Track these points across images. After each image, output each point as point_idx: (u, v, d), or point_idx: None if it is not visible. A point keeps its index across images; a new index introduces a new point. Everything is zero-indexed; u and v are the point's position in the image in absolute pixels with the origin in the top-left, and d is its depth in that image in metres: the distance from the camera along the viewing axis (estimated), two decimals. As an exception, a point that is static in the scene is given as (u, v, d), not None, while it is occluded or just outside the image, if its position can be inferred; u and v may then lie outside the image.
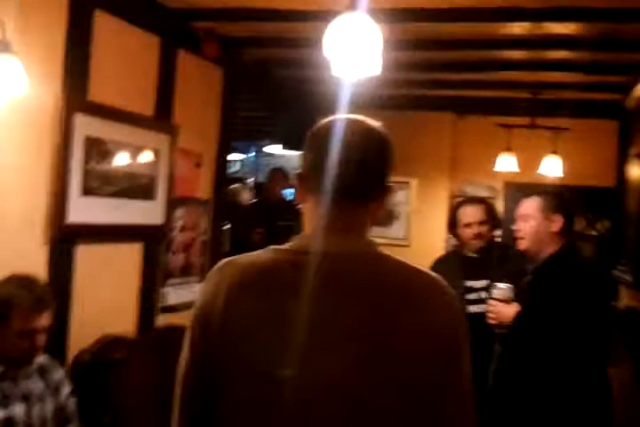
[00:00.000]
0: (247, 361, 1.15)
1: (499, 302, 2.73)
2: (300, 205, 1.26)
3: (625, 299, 4.29)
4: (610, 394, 2.61)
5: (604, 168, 4.88)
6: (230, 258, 1.25)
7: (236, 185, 7.17)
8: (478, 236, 3.24)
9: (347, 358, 1.11)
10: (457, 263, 3.29)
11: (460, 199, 3.51)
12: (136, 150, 3.10)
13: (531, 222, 2.69)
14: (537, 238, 2.69)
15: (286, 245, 1.21)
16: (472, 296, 3.11)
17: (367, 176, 1.19)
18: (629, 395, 3.71)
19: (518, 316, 2.65)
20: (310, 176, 1.21)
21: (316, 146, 1.21)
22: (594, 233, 5.31)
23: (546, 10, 2.97)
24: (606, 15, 2.98)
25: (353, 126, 1.21)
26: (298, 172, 1.26)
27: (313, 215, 1.21)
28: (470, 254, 3.27)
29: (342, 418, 1.11)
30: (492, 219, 3.27)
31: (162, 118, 3.31)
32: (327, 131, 1.20)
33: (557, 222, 2.63)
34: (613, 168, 4.78)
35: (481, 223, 3.25)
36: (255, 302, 1.16)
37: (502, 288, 2.75)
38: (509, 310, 2.69)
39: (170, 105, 3.38)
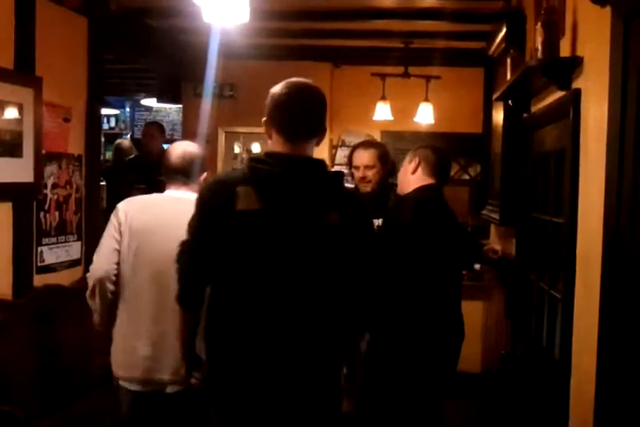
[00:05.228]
0: None
1: None
2: None
3: (493, 236, 4.58)
4: (454, 328, 2.87)
5: (473, 114, 5.10)
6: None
7: (121, 140, 6.92)
8: (363, 179, 3.26)
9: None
10: None
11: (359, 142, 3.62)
12: (-3, 105, 2.94)
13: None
14: (402, 181, 2.95)
15: None
16: None
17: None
18: (500, 326, 4.00)
19: None
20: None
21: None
22: (467, 177, 5.60)
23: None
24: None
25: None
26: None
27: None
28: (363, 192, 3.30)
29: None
30: (383, 164, 3.27)
31: (23, 71, 3.14)
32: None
33: (413, 165, 2.89)
34: (481, 114, 5.01)
35: (367, 167, 3.25)
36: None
37: None
38: None
39: (31, 57, 3.20)
